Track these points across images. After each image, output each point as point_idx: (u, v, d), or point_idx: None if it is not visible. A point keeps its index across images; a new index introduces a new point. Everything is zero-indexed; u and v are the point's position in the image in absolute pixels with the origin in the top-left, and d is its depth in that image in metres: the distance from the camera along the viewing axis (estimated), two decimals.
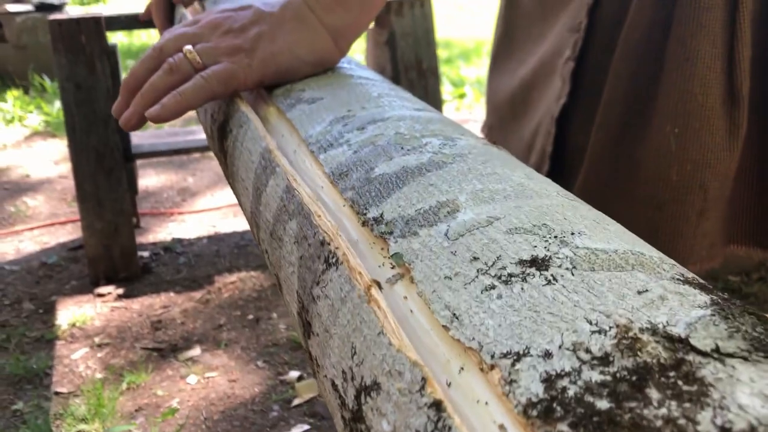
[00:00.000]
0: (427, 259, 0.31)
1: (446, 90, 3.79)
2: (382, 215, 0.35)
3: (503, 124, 0.81)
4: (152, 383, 1.53)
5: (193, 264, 2.09)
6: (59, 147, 3.14)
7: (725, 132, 0.62)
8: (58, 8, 4.00)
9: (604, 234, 0.32)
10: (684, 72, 0.61)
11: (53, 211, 2.50)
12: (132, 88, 0.54)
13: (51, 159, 3.00)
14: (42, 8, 3.90)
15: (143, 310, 1.83)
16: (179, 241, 2.25)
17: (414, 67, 2.15)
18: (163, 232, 2.33)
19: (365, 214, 0.36)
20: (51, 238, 2.29)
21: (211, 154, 2.85)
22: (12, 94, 3.68)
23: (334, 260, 0.33)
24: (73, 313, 1.80)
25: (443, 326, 0.28)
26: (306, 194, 0.39)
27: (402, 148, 0.42)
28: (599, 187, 0.66)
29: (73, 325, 1.75)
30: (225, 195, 2.63)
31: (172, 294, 1.91)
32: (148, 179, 2.70)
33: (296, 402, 1.47)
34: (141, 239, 2.20)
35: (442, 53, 4.66)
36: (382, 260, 0.33)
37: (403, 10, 2.09)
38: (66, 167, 2.90)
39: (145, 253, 2.13)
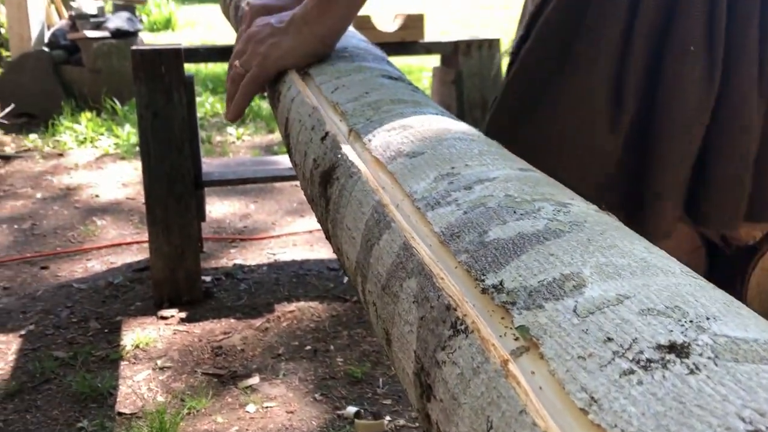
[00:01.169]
0: (557, 336, 0.31)
1: None
2: (502, 283, 0.35)
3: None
4: (212, 410, 1.55)
5: (254, 291, 2.12)
6: (127, 169, 3.25)
7: (608, 127, 0.79)
8: (133, 35, 4.17)
9: (739, 320, 0.31)
10: (582, 71, 0.78)
11: (120, 231, 2.58)
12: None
13: (120, 181, 3.10)
14: (118, 35, 4.07)
15: (204, 335, 1.86)
16: (240, 267, 2.29)
17: (479, 106, 2.17)
18: (224, 257, 2.37)
19: (483, 281, 0.36)
20: (117, 258, 2.36)
21: (275, 184, 2.91)
22: (85, 116, 3.84)
23: (462, 327, 0.33)
24: (137, 334, 1.85)
25: (581, 409, 0.28)
26: (426, 254, 0.40)
27: (515, 212, 0.42)
28: None
29: (137, 346, 1.79)
30: (285, 224, 2.67)
31: (232, 320, 1.94)
32: (212, 205, 2.76)
33: None
34: (203, 264, 2.24)
35: None
36: (504, 330, 0.33)
37: (471, 50, 2.12)
38: (133, 189, 3.00)
39: (208, 278, 2.18)
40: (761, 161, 0.82)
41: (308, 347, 1.81)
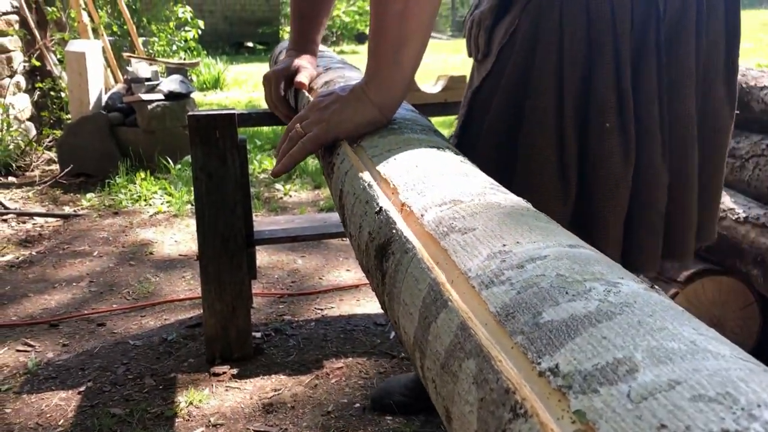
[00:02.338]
0: (612, 421, 0.33)
1: None
2: (557, 367, 0.37)
3: None
4: None
5: (302, 347, 2.15)
6: (180, 227, 3.35)
7: (560, 201, 1.02)
8: (186, 96, 4.35)
9: None
10: (532, 123, 1.02)
11: (172, 288, 2.66)
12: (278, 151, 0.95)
13: (172, 238, 3.20)
14: (171, 97, 4.25)
15: (255, 392, 1.89)
16: (289, 323, 2.32)
17: None
18: (273, 312, 2.41)
19: (539, 363, 0.37)
20: (170, 315, 2.42)
21: (322, 241, 2.96)
22: (140, 176, 3.99)
23: (522, 411, 0.35)
24: (191, 391, 1.88)
25: None
26: (483, 335, 0.41)
27: (567, 292, 0.43)
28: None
29: (191, 403, 1.83)
30: (332, 278, 2.70)
31: (282, 376, 1.97)
32: (260, 260, 2.82)
33: None
34: (253, 319, 2.28)
35: None
36: (561, 414, 0.35)
37: None
38: (185, 246, 3.08)
39: (258, 334, 2.21)
40: (670, 211, 1.06)
41: (357, 405, 1.82)
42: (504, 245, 0.51)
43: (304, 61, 1.20)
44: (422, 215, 0.60)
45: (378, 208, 0.66)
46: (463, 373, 0.41)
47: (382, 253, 0.61)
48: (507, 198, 0.64)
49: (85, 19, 4.80)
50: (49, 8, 5.00)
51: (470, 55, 1.15)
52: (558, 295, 0.42)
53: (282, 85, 1.20)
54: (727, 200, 1.82)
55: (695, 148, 1.05)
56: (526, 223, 0.56)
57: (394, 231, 0.60)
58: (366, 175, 0.76)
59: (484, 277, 0.47)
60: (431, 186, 0.66)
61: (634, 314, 0.41)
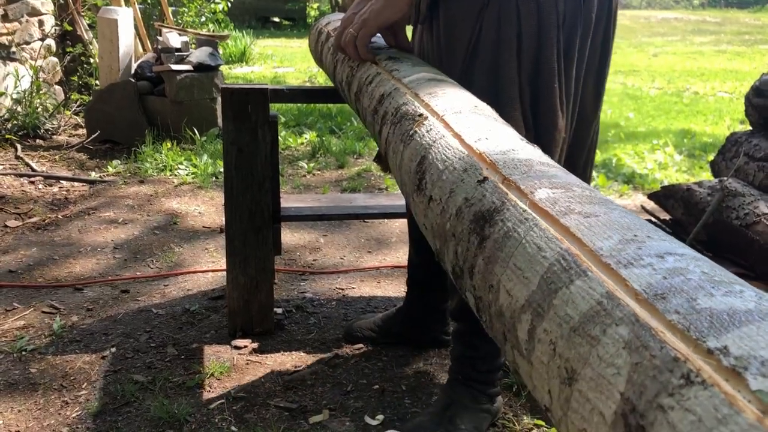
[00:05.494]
0: None
1: None
2: (726, 348, 0.36)
3: None
4: None
5: (323, 326, 2.16)
6: (204, 198, 3.37)
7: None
8: (215, 69, 4.35)
9: None
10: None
11: (195, 259, 2.68)
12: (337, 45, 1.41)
13: (196, 209, 3.22)
14: (200, 69, 4.25)
15: (276, 367, 1.90)
16: (310, 301, 2.33)
17: None
18: (295, 289, 2.43)
19: (704, 342, 0.37)
20: (193, 285, 2.44)
21: (344, 221, 2.97)
22: (166, 146, 4.00)
23: (699, 380, 0.35)
24: (212, 362, 1.90)
25: None
26: (636, 307, 0.42)
27: (718, 288, 0.43)
28: None
29: (212, 375, 1.85)
30: (353, 259, 2.71)
31: (302, 354, 1.98)
32: (283, 237, 2.83)
33: None
34: (275, 295, 2.30)
35: None
36: (737, 389, 0.35)
37: None
38: (208, 218, 3.10)
39: (279, 310, 2.23)
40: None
41: (376, 386, 1.83)
42: (635, 236, 0.52)
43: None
44: (532, 193, 0.63)
45: (482, 178, 0.70)
46: (609, 338, 0.42)
47: (483, 220, 0.64)
48: (611, 199, 0.66)
49: None
50: None
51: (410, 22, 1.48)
52: (710, 288, 0.43)
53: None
54: (762, 206, 1.80)
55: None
56: (647, 225, 0.57)
57: (504, 202, 0.64)
58: (458, 145, 0.80)
59: (621, 258, 0.48)
60: (533, 171, 0.69)
61: None
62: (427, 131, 0.88)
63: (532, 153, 0.76)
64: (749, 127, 2.30)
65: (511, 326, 0.54)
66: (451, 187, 0.73)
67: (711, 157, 4.34)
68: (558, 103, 1.34)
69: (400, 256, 2.73)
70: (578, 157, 1.48)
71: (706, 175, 3.86)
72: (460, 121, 0.86)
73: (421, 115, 0.92)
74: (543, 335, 0.49)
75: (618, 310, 0.43)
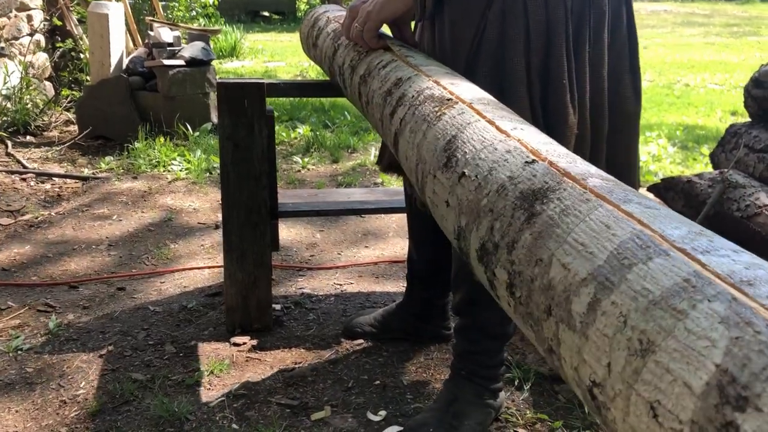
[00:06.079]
0: None
1: None
2: None
3: None
4: None
5: (322, 321, 2.15)
6: (198, 194, 3.34)
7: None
8: (207, 64, 4.31)
9: None
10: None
11: (191, 255, 2.65)
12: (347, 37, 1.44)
13: (191, 206, 3.19)
14: (192, 63, 4.22)
15: (276, 364, 1.89)
16: (309, 297, 2.32)
17: None
18: (293, 285, 2.41)
19: None
20: (189, 282, 2.42)
21: (340, 217, 2.95)
22: (159, 141, 3.97)
23: None
24: (211, 359, 1.89)
25: None
26: (728, 285, 0.43)
27: None
28: None
29: (211, 372, 1.83)
30: (351, 254, 2.70)
31: (302, 350, 1.97)
32: (279, 232, 2.81)
33: None
34: (272, 291, 2.28)
35: None
36: None
37: None
38: (203, 215, 3.08)
39: (277, 306, 2.21)
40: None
41: (377, 382, 1.82)
42: (701, 231, 0.53)
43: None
44: (584, 179, 0.65)
45: (530, 159, 0.73)
46: (699, 312, 0.43)
47: (534, 197, 0.67)
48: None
49: None
50: None
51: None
52: None
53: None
54: (763, 197, 1.80)
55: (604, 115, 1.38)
56: (697, 226, 0.59)
57: (560, 182, 0.66)
58: (499, 129, 0.83)
59: (696, 246, 0.50)
60: (579, 162, 0.73)
61: None
62: (459, 114, 0.90)
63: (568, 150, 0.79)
64: (741, 119, 2.30)
65: (564, 299, 0.55)
66: (491, 166, 0.76)
67: (704, 149, 4.35)
68: (568, 99, 1.31)
69: (398, 250, 2.72)
70: (620, 156, 1.44)
71: (700, 167, 3.87)
72: (489, 111, 0.88)
73: (450, 99, 0.95)
74: (610, 308, 0.50)
75: (710, 288, 0.44)
